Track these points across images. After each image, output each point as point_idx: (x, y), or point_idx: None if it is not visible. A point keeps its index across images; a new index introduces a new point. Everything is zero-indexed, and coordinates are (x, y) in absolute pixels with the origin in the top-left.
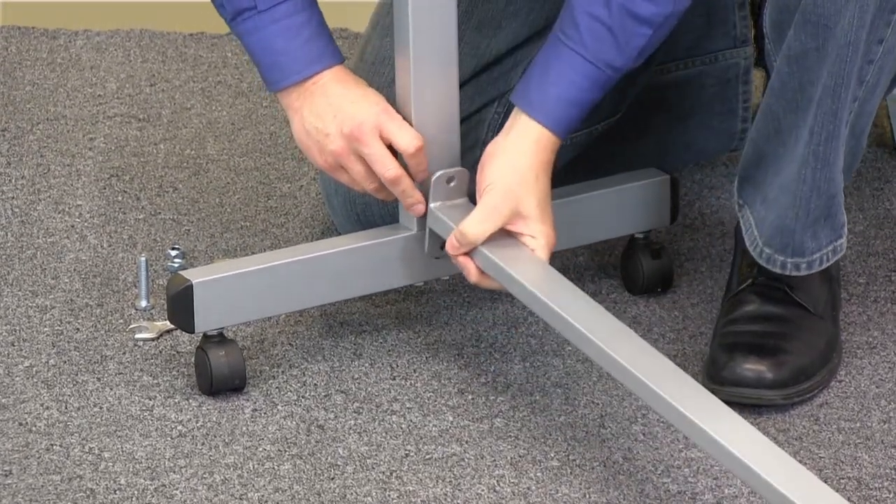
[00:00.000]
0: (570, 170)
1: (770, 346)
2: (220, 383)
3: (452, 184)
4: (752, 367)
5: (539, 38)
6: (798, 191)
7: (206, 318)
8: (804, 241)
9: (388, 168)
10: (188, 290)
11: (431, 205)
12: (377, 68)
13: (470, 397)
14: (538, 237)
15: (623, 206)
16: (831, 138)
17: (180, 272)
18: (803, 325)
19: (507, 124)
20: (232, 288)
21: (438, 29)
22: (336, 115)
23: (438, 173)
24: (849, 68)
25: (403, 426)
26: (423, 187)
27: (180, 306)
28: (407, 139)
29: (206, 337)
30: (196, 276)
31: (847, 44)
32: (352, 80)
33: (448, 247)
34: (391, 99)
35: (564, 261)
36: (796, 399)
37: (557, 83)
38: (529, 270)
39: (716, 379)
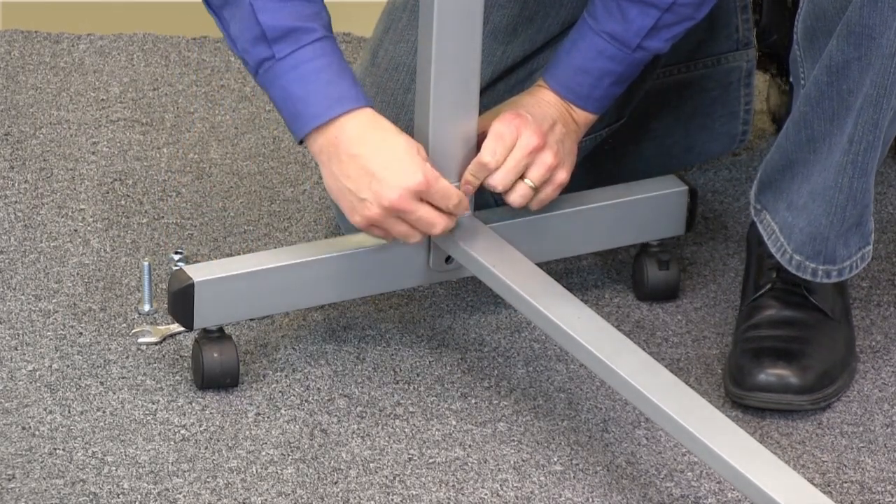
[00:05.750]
0: (574, 174)
1: (794, 351)
2: (211, 381)
3: None
4: (779, 373)
5: (554, 45)
6: (834, 199)
7: (206, 315)
8: (836, 248)
9: (437, 225)
10: (189, 287)
11: None
12: (391, 74)
13: (473, 401)
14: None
15: (641, 214)
16: (870, 147)
17: (183, 268)
18: (824, 330)
19: None
20: (232, 286)
21: (461, 43)
22: (371, 183)
23: None
24: (892, 79)
25: (406, 430)
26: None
27: (180, 302)
28: (454, 202)
29: (204, 332)
30: (197, 273)
31: (892, 54)
32: (378, 132)
33: (464, 183)
34: (408, 105)
35: (568, 264)
36: (823, 404)
37: (568, 51)
38: (529, 281)
39: (743, 385)
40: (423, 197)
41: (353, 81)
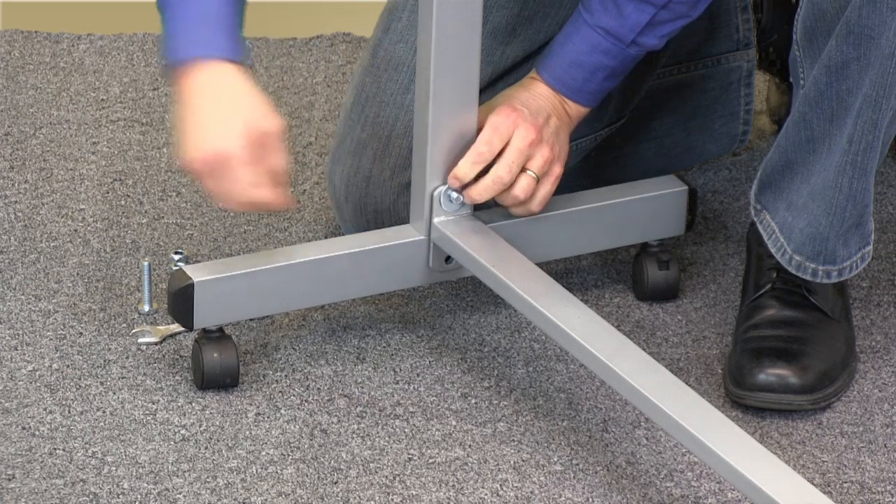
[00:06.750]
0: (574, 173)
1: (794, 351)
2: (211, 381)
3: (457, 197)
4: (779, 373)
5: None
6: (833, 199)
7: (206, 315)
8: (836, 249)
9: (230, 200)
10: (189, 287)
11: (435, 219)
12: (391, 74)
13: (473, 401)
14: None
15: (641, 214)
16: (869, 148)
17: (183, 268)
18: (824, 329)
19: None
20: (232, 286)
21: (461, 43)
22: (187, 134)
23: (442, 188)
24: (891, 79)
25: (407, 430)
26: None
27: (180, 302)
28: (235, 200)
29: (204, 332)
30: (197, 273)
31: (891, 54)
32: (220, 91)
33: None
34: (408, 105)
35: (568, 264)
36: (823, 404)
37: (562, 44)
38: (529, 281)
39: (743, 385)
40: (215, 169)
41: (230, 33)
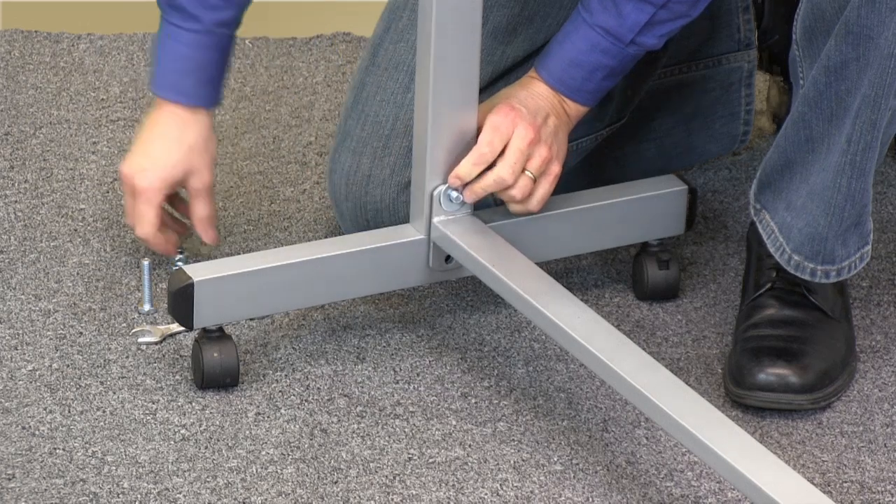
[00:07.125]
0: (574, 173)
1: (794, 351)
2: (211, 381)
3: (457, 196)
4: (779, 372)
5: None
6: (832, 199)
7: (205, 315)
8: (835, 248)
9: (135, 226)
10: (189, 287)
11: (435, 218)
12: (391, 73)
13: (473, 401)
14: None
15: (641, 213)
16: (868, 148)
17: (183, 268)
18: (824, 329)
19: None
20: (232, 285)
21: (460, 42)
22: (134, 152)
23: (442, 187)
24: (890, 79)
25: (406, 430)
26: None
27: (180, 302)
28: (140, 232)
29: (204, 331)
30: (197, 273)
31: (890, 55)
32: (175, 132)
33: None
34: (408, 105)
35: (568, 264)
36: (823, 403)
37: (561, 43)
38: (529, 281)
39: (743, 384)
40: (127, 190)
41: (209, 82)
